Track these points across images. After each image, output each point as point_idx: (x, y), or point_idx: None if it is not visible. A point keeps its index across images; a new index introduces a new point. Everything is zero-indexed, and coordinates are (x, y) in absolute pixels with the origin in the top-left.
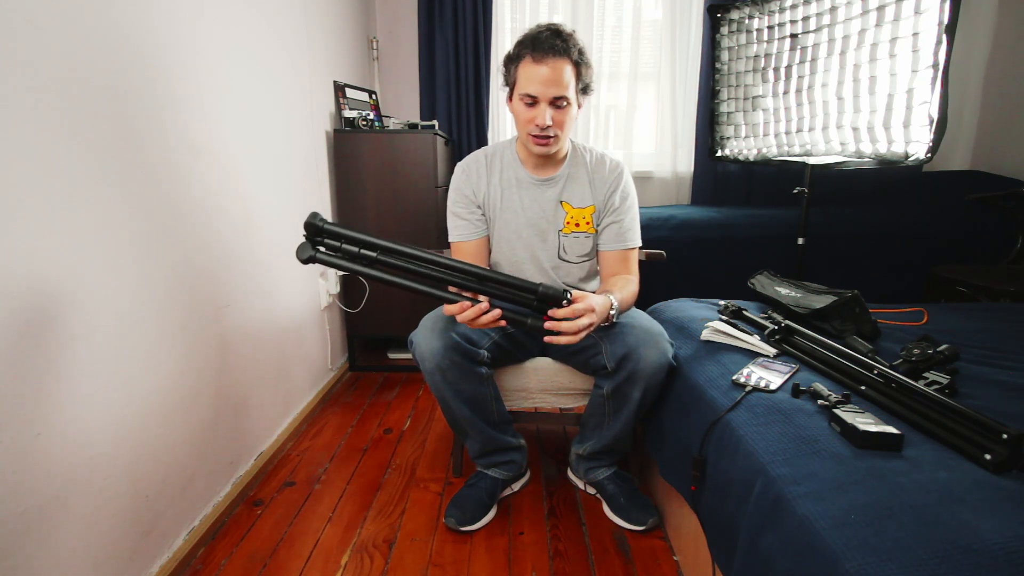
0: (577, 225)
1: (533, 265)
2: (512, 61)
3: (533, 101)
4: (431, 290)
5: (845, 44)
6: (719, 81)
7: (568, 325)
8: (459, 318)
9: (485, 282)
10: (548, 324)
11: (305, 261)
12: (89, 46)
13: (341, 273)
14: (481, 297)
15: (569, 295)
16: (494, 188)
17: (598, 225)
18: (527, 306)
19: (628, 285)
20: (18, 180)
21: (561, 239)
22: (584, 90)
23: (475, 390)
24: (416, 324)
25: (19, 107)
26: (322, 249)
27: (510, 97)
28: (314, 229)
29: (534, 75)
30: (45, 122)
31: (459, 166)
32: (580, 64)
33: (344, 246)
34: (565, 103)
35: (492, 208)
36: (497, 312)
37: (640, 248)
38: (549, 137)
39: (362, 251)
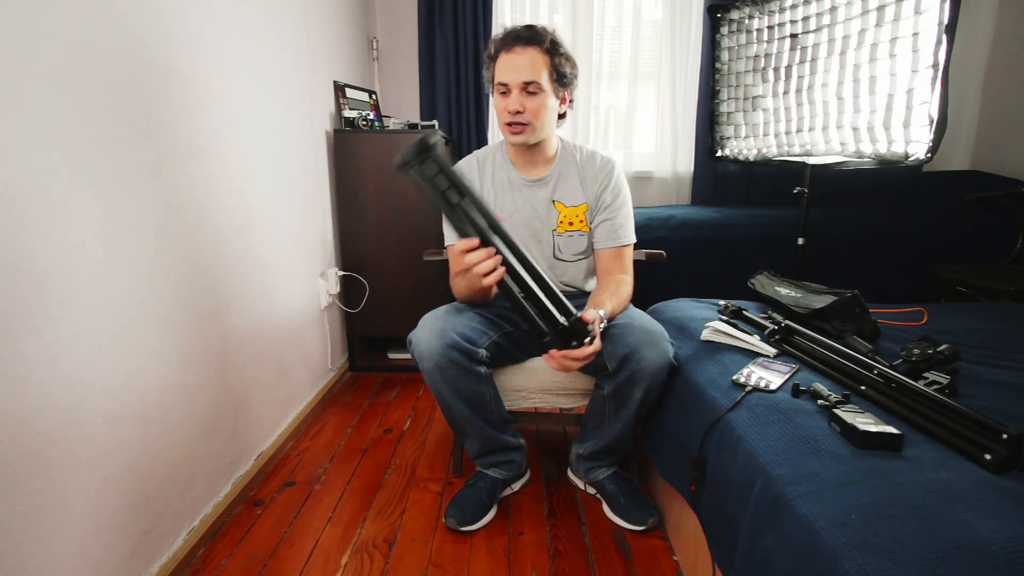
0: (571, 224)
1: None
2: (491, 60)
3: (506, 89)
4: (484, 236)
5: (845, 44)
6: (719, 81)
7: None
8: (466, 258)
9: (535, 277)
10: (548, 358)
11: (401, 167)
12: (106, 46)
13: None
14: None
15: (585, 340)
16: (487, 191)
17: (592, 223)
18: (543, 318)
19: (621, 287)
20: (22, 175)
21: (555, 239)
22: (561, 81)
23: (474, 389)
24: (416, 324)
25: (37, 103)
26: (422, 168)
27: (493, 94)
28: (423, 147)
29: (505, 64)
30: (52, 119)
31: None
32: (553, 54)
33: (437, 178)
34: (536, 89)
35: None
36: (501, 271)
37: (639, 248)
38: (522, 124)
39: (448, 191)
